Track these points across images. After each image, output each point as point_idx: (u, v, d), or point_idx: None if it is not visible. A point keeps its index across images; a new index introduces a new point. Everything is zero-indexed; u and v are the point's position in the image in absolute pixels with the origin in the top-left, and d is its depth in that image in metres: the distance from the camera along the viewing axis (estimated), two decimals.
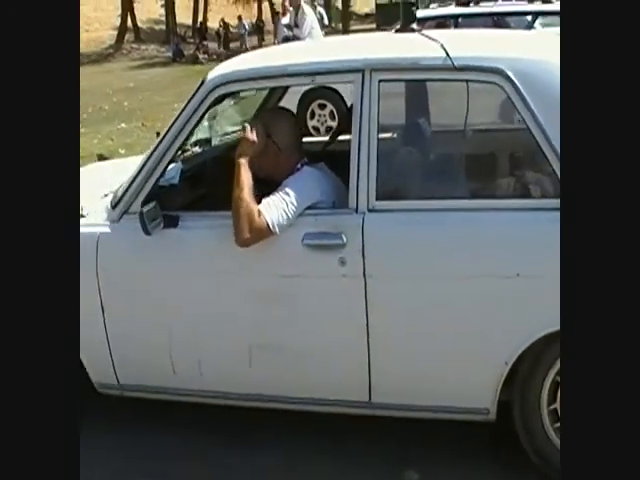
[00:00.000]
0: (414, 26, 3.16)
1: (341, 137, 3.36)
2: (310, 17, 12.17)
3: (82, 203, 2.99)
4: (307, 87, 6.29)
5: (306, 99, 8.01)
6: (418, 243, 2.55)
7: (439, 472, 2.75)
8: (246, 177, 2.63)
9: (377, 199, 2.56)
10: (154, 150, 2.84)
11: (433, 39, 2.83)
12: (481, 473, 2.73)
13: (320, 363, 2.70)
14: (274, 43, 13.72)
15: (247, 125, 2.78)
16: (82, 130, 12.26)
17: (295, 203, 2.60)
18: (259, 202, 2.62)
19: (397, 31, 3.27)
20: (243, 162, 2.67)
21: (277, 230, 2.57)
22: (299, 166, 2.82)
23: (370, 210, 2.57)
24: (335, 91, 7.97)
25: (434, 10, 10.45)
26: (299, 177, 2.73)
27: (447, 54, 2.55)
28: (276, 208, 2.59)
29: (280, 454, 2.92)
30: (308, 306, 2.65)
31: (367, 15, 46.96)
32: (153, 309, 2.86)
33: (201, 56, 28.56)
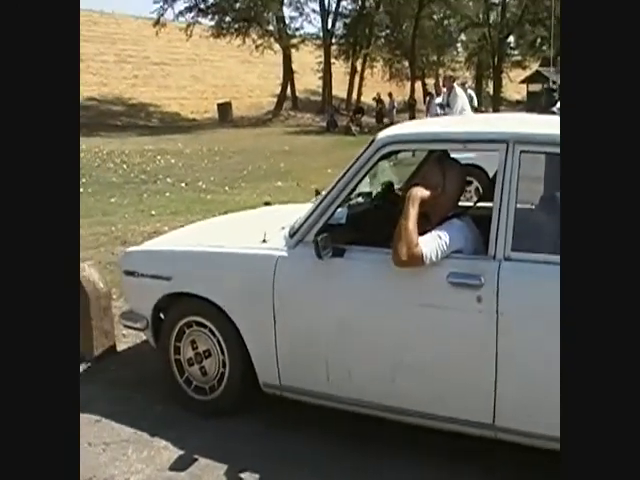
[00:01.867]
0: (554, 109, 3.67)
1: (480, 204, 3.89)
2: (461, 99, 12.80)
3: (264, 231, 3.67)
4: None
5: None
6: (544, 289, 2.98)
7: None
8: (414, 212, 3.14)
9: (512, 250, 3.05)
10: (328, 194, 3.46)
11: None
12: None
13: (453, 384, 3.16)
14: None
15: (430, 167, 3.34)
16: (243, 185, 13.39)
17: (447, 245, 3.12)
18: None
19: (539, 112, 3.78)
20: (415, 200, 3.18)
21: (427, 262, 3.08)
22: (450, 214, 3.34)
23: (506, 258, 3.05)
24: (481, 169, 8.43)
25: None
26: (452, 225, 3.23)
27: None
28: (431, 245, 3.10)
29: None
30: (447, 334, 3.13)
31: (518, 102, 47.39)
32: (316, 322, 3.42)
33: (354, 128, 29.71)
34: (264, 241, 3.64)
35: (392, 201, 4.00)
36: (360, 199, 4.09)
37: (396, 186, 4.42)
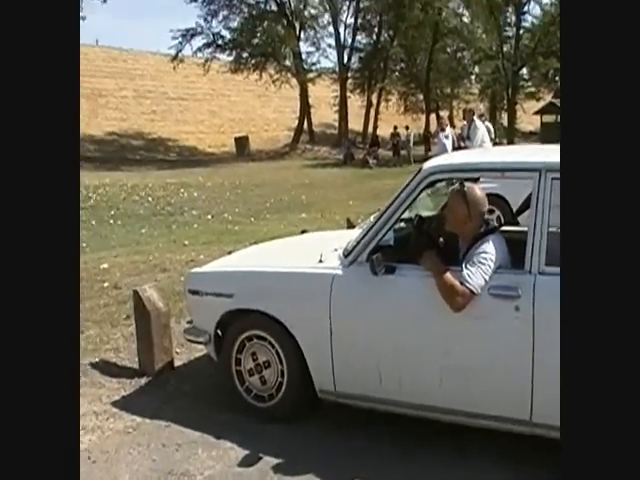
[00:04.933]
0: None
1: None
2: (481, 131, 13.22)
3: (320, 252, 4.07)
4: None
5: None
6: None
7: None
8: (439, 271, 3.53)
9: (546, 265, 3.43)
10: (378, 219, 3.86)
11: None
12: None
13: (494, 385, 3.53)
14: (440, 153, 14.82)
15: (453, 199, 3.74)
16: (268, 216, 13.78)
17: (490, 268, 3.50)
18: (446, 263, 3.58)
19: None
20: (432, 267, 3.58)
21: (479, 292, 3.47)
22: (482, 230, 3.74)
23: (540, 273, 3.43)
24: (502, 198, 8.79)
25: None
26: (489, 243, 3.60)
27: None
28: (477, 274, 3.48)
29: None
30: (489, 339, 3.51)
31: (531, 133, 47.95)
32: (370, 334, 3.79)
33: (371, 161, 30.21)
34: (320, 261, 4.04)
35: (432, 225, 4.38)
36: (402, 224, 4.47)
37: (431, 213, 4.81)
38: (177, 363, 5.26)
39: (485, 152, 4.67)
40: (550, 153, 3.98)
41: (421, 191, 3.81)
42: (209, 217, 14.31)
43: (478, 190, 3.80)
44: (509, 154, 4.26)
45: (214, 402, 4.51)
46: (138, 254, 9.62)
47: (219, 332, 4.41)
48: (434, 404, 3.71)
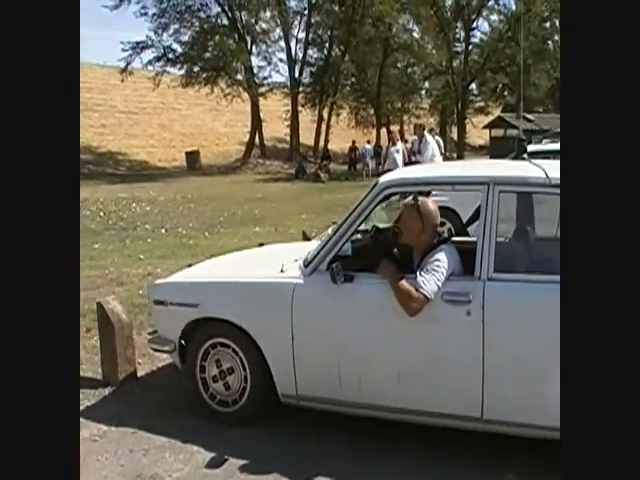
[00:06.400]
0: (525, 156, 4.36)
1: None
2: (432, 145, 13.59)
3: (281, 263, 4.25)
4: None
5: None
6: (521, 302, 3.62)
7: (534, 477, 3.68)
8: (395, 281, 3.74)
9: (494, 271, 3.67)
10: (337, 230, 4.07)
11: (537, 165, 3.99)
12: None
13: (448, 385, 3.75)
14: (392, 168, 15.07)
15: (407, 212, 3.95)
16: (222, 230, 13.86)
17: (443, 275, 3.72)
18: (401, 272, 3.79)
19: (512, 159, 4.46)
20: (390, 278, 3.78)
21: (433, 297, 3.68)
22: (435, 241, 3.96)
23: (489, 279, 3.67)
24: (453, 211, 9.10)
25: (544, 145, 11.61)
26: (442, 252, 3.83)
27: (546, 175, 3.69)
28: (430, 281, 3.70)
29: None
30: (442, 342, 3.74)
31: (480, 147, 48.90)
32: (330, 339, 3.99)
33: (322, 175, 30.47)
34: (282, 271, 4.22)
35: (387, 236, 4.59)
36: (359, 235, 4.68)
37: (387, 225, 5.04)
38: (140, 373, 5.38)
39: (437, 167, 4.96)
40: (497, 167, 4.26)
41: (377, 204, 4.02)
42: (163, 231, 14.33)
43: (431, 203, 4.04)
44: (459, 168, 4.52)
45: (179, 409, 4.65)
46: (93, 269, 9.64)
47: (183, 342, 4.55)
48: (392, 405, 3.92)
